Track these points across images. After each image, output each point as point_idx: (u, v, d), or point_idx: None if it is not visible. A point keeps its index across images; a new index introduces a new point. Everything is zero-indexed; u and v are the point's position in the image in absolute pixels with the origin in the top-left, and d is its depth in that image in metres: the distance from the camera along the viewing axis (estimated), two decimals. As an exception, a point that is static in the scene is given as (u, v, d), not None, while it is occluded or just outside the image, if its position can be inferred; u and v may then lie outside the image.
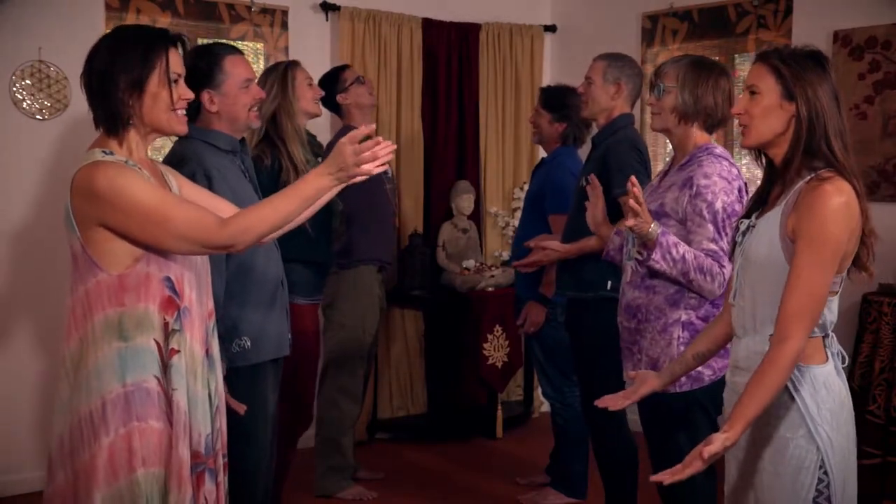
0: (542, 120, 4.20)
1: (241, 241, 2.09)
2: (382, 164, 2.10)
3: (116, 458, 2.03)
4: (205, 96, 2.82)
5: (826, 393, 2.04)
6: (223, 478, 2.27)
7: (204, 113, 2.85)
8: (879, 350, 3.96)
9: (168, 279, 2.09)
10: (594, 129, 3.70)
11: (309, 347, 3.68)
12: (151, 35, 2.13)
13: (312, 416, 3.99)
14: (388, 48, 5.10)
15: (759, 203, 2.16)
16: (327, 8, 4.94)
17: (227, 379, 2.72)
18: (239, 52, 2.93)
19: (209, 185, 2.68)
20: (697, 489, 2.66)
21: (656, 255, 2.64)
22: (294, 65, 3.65)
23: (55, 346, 3.97)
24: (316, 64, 4.43)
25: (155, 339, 2.07)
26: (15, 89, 4.12)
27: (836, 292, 2.07)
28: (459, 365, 5.25)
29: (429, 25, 5.24)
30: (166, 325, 2.08)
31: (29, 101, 4.15)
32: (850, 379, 3.91)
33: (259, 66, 4.61)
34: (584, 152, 4.03)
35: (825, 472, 2.02)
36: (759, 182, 2.21)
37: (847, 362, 2.13)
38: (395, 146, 2.12)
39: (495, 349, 5.02)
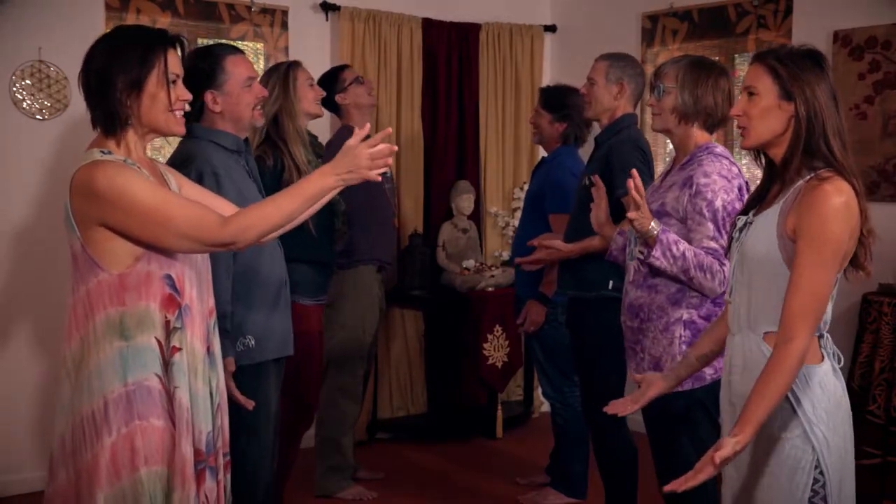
0: (543, 120, 4.20)
1: (243, 239, 2.09)
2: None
3: (119, 457, 2.03)
4: (208, 97, 2.82)
5: (821, 392, 2.03)
6: (224, 476, 2.27)
7: (208, 113, 2.85)
8: (879, 350, 3.95)
9: (169, 277, 2.09)
10: (595, 128, 3.70)
11: (312, 348, 3.68)
12: (150, 35, 2.13)
13: (314, 416, 3.99)
14: (388, 48, 5.10)
15: (758, 200, 2.15)
16: (327, 8, 4.93)
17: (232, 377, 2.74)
18: (240, 51, 2.93)
19: (217, 183, 2.68)
20: (708, 492, 2.65)
21: (656, 252, 2.64)
22: (295, 65, 3.64)
23: (55, 346, 3.97)
24: (316, 64, 4.42)
25: (156, 338, 2.07)
26: (15, 89, 4.12)
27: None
28: (459, 365, 5.25)
29: (429, 25, 5.24)
30: (167, 322, 2.08)
31: (29, 101, 4.15)
32: (850, 379, 3.93)
33: (259, 67, 4.61)
34: (585, 152, 4.03)
35: (821, 472, 2.02)
36: (759, 181, 2.21)
37: (843, 362, 2.12)
38: (395, 148, 2.13)
39: (495, 349, 5.02)
